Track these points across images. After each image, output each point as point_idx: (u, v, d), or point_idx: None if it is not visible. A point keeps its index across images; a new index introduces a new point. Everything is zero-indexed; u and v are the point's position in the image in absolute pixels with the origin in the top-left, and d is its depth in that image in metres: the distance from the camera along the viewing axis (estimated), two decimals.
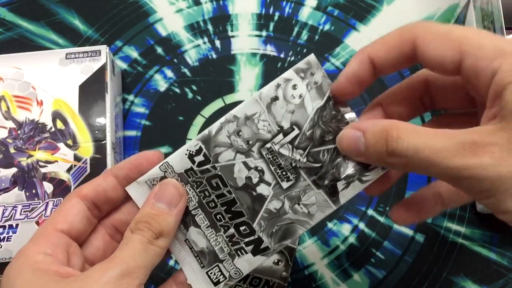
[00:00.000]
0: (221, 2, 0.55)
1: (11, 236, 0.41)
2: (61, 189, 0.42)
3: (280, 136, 0.29)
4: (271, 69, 0.52)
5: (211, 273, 0.30)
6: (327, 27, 0.53)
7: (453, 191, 0.31)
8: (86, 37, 0.53)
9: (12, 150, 0.44)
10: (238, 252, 0.30)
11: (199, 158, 0.30)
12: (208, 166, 0.30)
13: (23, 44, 0.52)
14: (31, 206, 0.41)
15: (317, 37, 0.53)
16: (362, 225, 0.46)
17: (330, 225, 0.46)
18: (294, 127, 0.29)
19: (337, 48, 0.52)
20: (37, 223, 0.41)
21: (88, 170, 0.43)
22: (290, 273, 0.44)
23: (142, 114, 0.50)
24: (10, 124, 0.44)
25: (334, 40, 0.53)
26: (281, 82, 0.29)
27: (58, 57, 0.47)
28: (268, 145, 0.29)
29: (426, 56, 0.26)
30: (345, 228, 0.46)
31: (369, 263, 0.45)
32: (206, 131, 0.30)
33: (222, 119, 0.30)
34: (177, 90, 0.51)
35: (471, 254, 0.45)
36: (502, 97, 0.24)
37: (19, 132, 0.44)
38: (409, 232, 0.46)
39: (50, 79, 0.46)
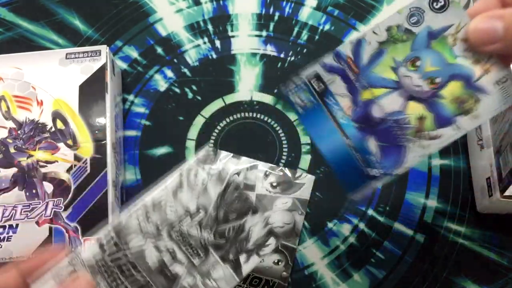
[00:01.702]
0: (221, 2, 0.55)
1: (11, 236, 0.41)
2: (61, 189, 0.42)
3: (188, 218, 0.33)
4: (271, 69, 0.52)
5: None
6: (327, 27, 0.53)
7: None
8: (86, 37, 0.53)
9: (12, 150, 0.44)
10: None
11: (110, 247, 0.31)
12: (119, 255, 0.31)
13: (23, 44, 0.52)
14: (31, 206, 0.41)
15: (317, 37, 0.53)
16: (362, 225, 0.46)
17: (330, 225, 0.46)
18: (200, 210, 0.33)
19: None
20: (37, 223, 0.41)
21: (88, 170, 0.43)
22: (290, 273, 0.44)
23: (142, 114, 0.50)
24: (10, 124, 0.44)
25: (334, 40, 0.53)
26: (183, 172, 0.34)
27: (58, 57, 0.47)
28: (177, 228, 0.33)
29: None
30: (345, 228, 0.46)
31: (369, 263, 0.45)
32: (117, 220, 0.32)
33: (133, 208, 0.32)
34: (177, 90, 0.51)
35: (471, 254, 0.45)
36: None
37: (19, 132, 0.44)
38: (409, 232, 0.46)
39: (50, 79, 0.46)
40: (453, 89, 0.31)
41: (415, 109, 0.32)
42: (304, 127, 0.32)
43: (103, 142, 0.44)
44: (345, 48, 0.32)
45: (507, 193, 0.40)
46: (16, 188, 0.42)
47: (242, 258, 0.33)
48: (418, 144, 0.31)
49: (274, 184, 0.47)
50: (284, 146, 0.49)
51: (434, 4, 0.32)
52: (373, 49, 0.32)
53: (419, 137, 0.32)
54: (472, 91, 0.31)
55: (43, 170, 0.43)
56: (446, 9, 0.31)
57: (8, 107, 0.45)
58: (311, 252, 0.45)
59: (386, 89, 0.32)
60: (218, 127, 0.50)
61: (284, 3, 0.54)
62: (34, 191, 0.42)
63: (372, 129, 0.32)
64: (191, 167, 0.34)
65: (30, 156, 0.43)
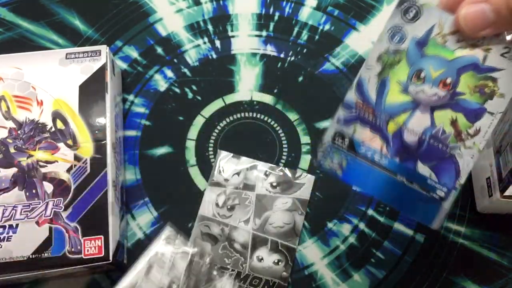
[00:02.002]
0: (221, 2, 0.55)
1: (11, 236, 0.41)
2: (61, 189, 0.42)
3: None
4: (271, 69, 0.52)
5: None
6: (327, 27, 0.53)
7: None
8: (86, 37, 0.53)
9: (12, 150, 0.44)
10: None
11: None
12: None
13: (23, 44, 0.52)
14: (31, 206, 0.41)
15: (317, 37, 0.53)
16: (362, 225, 0.46)
17: (330, 225, 0.46)
18: (172, 285, 0.38)
19: (337, 48, 0.52)
20: (37, 223, 0.41)
21: (88, 170, 0.43)
22: (290, 273, 0.44)
23: (142, 114, 0.50)
24: (10, 124, 0.44)
25: (334, 40, 0.53)
26: (151, 253, 0.39)
27: (58, 57, 0.47)
28: None
29: None
30: (345, 228, 0.46)
31: (369, 263, 0.45)
32: None
33: None
34: (177, 90, 0.51)
35: (471, 254, 0.45)
36: None
37: (19, 132, 0.44)
38: (409, 232, 0.46)
39: (50, 79, 0.46)
40: (467, 81, 0.31)
41: (443, 117, 0.31)
42: (350, 186, 0.33)
43: (103, 142, 0.44)
44: (350, 96, 0.32)
45: (507, 193, 0.40)
46: (16, 188, 0.42)
47: None
48: (464, 146, 0.31)
49: (274, 184, 0.47)
50: (284, 146, 0.49)
51: (407, 16, 0.32)
52: (375, 83, 0.32)
53: (461, 140, 0.31)
54: (485, 74, 0.31)
55: (43, 170, 0.43)
56: (420, 15, 0.32)
57: (8, 107, 0.45)
58: (311, 252, 0.45)
59: (407, 112, 0.32)
60: (218, 127, 0.50)
61: (284, 3, 0.54)
62: (34, 191, 0.42)
63: (414, 155, 0.32)
64: (157, 249, 0.40)
65: (30, 156, 0.43)
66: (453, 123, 0.31)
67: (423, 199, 0.32)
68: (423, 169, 0.32)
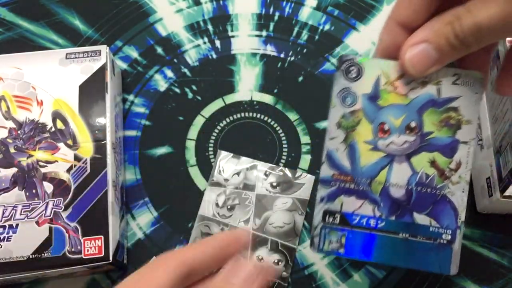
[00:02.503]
0: (221, 2, 0.55)
1: (11, 236, 0.41)
2: (61, 189, 0.42)
3: None
4: (271, 69, 0.52)
5: None
6: (327, 27, 0.53)
7: None
8: (86, 37, 0.53)
9: (12, 150, 0.44)
10: None
11: None
12: None
13: (23, 44, 0.52)
14: (31, 206, 0.41)
15: (317, 37, 0.53)
16: None
17: None
18: None
19: (337, 48, 0.52)
20: (37, 223, 0.41)
21: (88, 170, 0.43)
22: (290, 273, 0.44)
23: (142, 114, 0.50)
24: (10, 124, 0.44)
25: (334, 40, 0.53)
26: None
27: (58, 57, 0.47)
28: None
29: None
30: None
31: (369, 263, 0.45)
32: None
33: None
34: (177, 90, 0.51)
35: (471, 254, 0.45)
36: None
37: (19, 132, 0.44)
38: None
39: (50, 79, 0.46)
40: (430, 119, 0.31)
41: (421, 161, 0.31)
42: (354, 259, 0.33)
43: (103, 142, 0.44)
44: (324, 171, 0.32)
45: (507, 193, 0.40)
46: (16, 188, 0.42)
47: None
48: (452, 182, 0.31)
49: (274, 184, 0.47)
50: (284, 146, 0.49)
51: (349, 75, 0.32)
52: (344, 150, 0.32)
53: (446, 178, 0.31)
54: (445, 107, 0.31)
55: (43, 170, 0.43)
56: (362, 71, 0.31)
57: (8, 107, 0.45)
58: (311, 252, 0.45)
59: (385, 168, 0.31)
60: (218, 127, 0.50)
61: (284, 3, 0.54)
62: (34, 191, 0.42)
63: (408, 207, 0.31)
64: None
65: (30, 156, 0.43)
66: (433, 163, 0.31)
67: (432, 248, 0.31)
68: (421, 219, 0.31)
